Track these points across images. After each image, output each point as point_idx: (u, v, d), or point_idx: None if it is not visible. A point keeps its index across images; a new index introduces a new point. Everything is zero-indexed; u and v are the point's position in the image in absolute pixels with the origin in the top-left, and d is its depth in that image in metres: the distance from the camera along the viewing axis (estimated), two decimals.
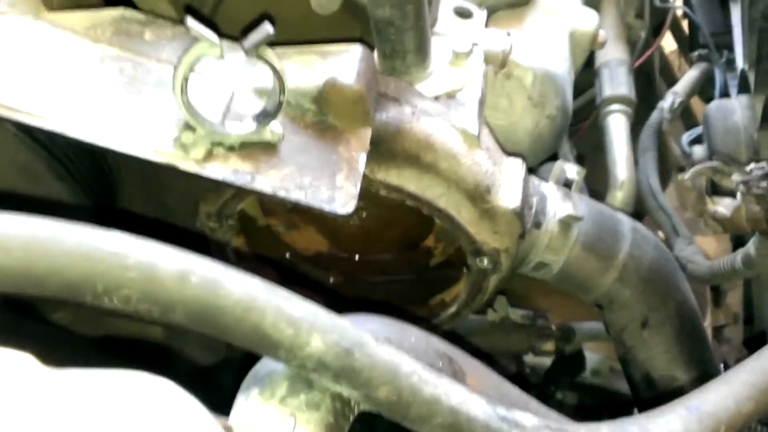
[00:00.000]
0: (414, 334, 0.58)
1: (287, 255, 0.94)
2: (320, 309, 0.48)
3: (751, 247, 0.94)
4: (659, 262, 0.91)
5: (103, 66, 0.65)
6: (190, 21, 0.57)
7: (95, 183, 0.74)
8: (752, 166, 0.87)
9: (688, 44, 1.83)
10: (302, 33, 0.76)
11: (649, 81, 1.70)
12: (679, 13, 1.77)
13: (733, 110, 1.13)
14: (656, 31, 1.72)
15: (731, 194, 0.94)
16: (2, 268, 0.39)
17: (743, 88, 1.22)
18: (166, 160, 0.62)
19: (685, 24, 1.92)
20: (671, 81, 1.85)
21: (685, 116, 1.65)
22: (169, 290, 0.42)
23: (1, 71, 0.61)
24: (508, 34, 0.96)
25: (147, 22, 0.69)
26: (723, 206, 0.86)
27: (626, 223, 0.92)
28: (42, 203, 0.70)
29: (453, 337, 0.73)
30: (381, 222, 0.91)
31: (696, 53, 1.54)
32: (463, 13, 0.94)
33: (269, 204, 0.89)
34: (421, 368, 0.49)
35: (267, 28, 0.59)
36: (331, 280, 0.94)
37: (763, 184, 0.76)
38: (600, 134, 1.33)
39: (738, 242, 1.38)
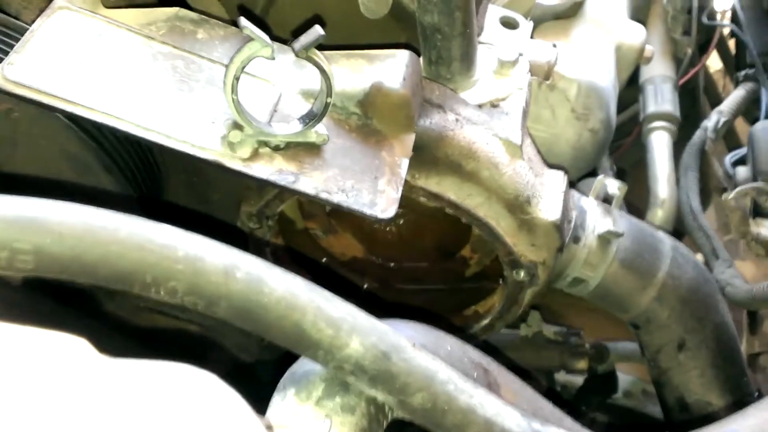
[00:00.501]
0: (450, 342, 0.58)
1: (324, 259, 0.94)
2: (360, 311, 0.48)
3: None
4: (699, 283, 0.89)
5: (156, 63, 0.66)
6: (243, 21, 0.58)
7: (141, 175, 0.75)
8: None
9: (734, 64, 1.80)
10: (349, 37, 0.77)
11: (694, 99, 1.67)
12: (726, 31, 1.74)
13: None
14: (702, 49, 1.69)
15: None
16: (55, 255, 0.40)
17: None
18: (212, 157, 0.62)
19: (731, 43, 1.89)
20: (715, 100, 1.82)
21: (729, 136, 1.62)
22: (215, 284, 0.43)
23: (58, 64, 0.63)
24: (554, 46, 0.95)
25: (200, 21, 0.71)
26: (766, 228, 0.84)
27: (667, 241, 0.90)
28: (88, 193, 0.72)
29: (486, 349, 0.72)
30: (417, 229, 0.91)
31: (742, 73, 1.51)
32: (509, 24, 0.94)
33: (308, 207, 0.90)
34: (457, 377, 0.49)
35: (318, 31, 0.60)
36: (366, 286, 0.94)
37: None
38: (642, 151, 1.31)
39: None
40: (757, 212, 0.89)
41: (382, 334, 0.47)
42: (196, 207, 0.83)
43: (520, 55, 0.82)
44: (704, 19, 1.58)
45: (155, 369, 0.34)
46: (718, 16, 1.82)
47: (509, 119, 0.76)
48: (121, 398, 0.28)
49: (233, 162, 0.63)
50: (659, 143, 1.27)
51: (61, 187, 0.70)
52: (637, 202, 1.34)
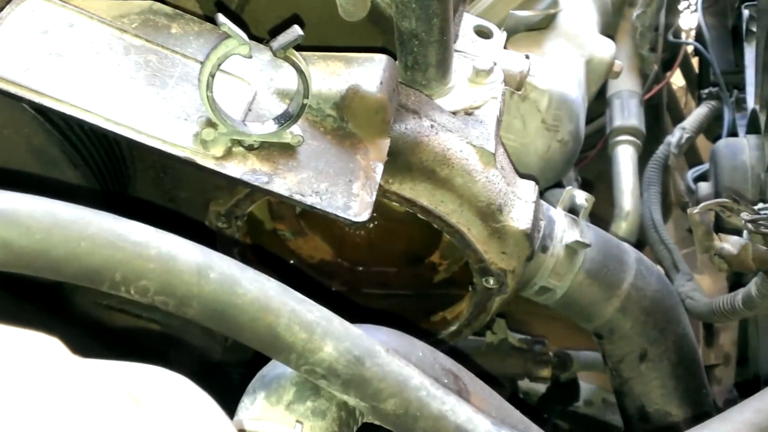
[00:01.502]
0: (421, 348, 0.58)
1: (291, 261, 0.93)
2: (334, 316, 0.47)
3: (752, 287, 0.94)
4: (662, 295, 0.91)
5: (129, 56, 0.65)
6: (221, 17, 0.57)
7: (108, 170, 0.73)
8: (761, 205, 0.87)
9: (696, 81, 1.85)
10: (325, 38, 0.76)
11: (657, 114, 1.71)
12: (690, 49, 1.79)
13: (742, 149, 1.14)
14: (666, 66, 1.73)
15: (737, 232, 0.94)
16: (21, 248, 0.38)
17: (753, 128, 1.23)
18: (185, 154, 0.61)
19: (695, 61, 1.94)
20: (677, 116, 1.87)
21: (689, 152, 1.66)
22: (187, 284, 0.42)
23: (27, 53, 0.61)
24: (527, 57, 0.96)
25: (174, 16, 0.69)
26: (730, 244, 0.86)
27: (632, 253, 0.92)
28: (53, 187, 0.70)
29: (453, 354, 0.72)
30: (387, 234, 0.91)
31: (706, 91, 1.55)
32: (483, 33, 0.95)
33: (278, 208, 0.89)
34: (430, 383, 0.49)
35: (297, 31, 0.59)
36: (334, 289, 0.94)
37: None
38: (605, 163, 1.34)
39: (734, 282, 1.38)
40: (719, 227, 0.91)
41: (355, 339, 0.46)
42: (163, 205, 0.82)
43: (495, 64, 0.82)
44: (670, 37, 1.62)
45: (128, 371, 0.33)
46: (683, 35, 1.87)
47: (483, 127, 0.77)
48: (95, 400, 0.27)
49: (206, 160, 0.61)
50: (625, 156, 1.29)
51: (24, 179, 0.68)
52: (598, 213, 1.36)
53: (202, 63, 0.59)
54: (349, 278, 0.94)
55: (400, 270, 0.93)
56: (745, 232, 0.87)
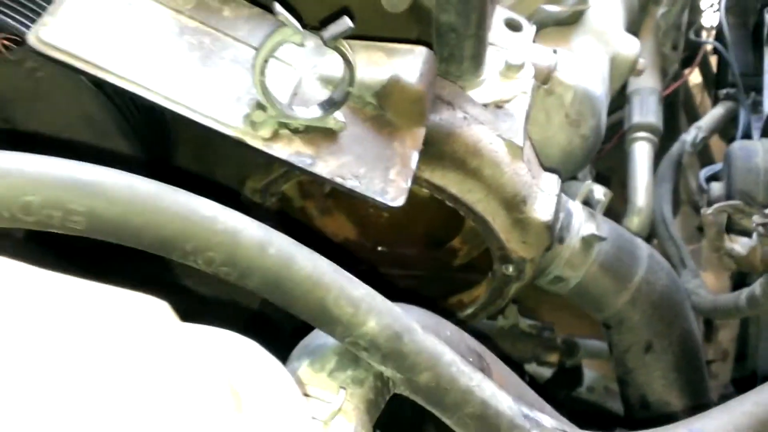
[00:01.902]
0: (449, 328, 0.62)
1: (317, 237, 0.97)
2: (377, 294, 0.51)
3: (757, 287, 0.98)
4: (670, 290, 0.95)
5: (184, 37, 0.68)
6: (278, 7, 0.61)
7: (154, 143, 0.77)
8: None
9: (714, 81, 1.87)
10: (364, 28, 0.80)
11: (673, 112, 1.74)
12: (709, 47, 1.81)
13: (756, 152, 1.17)
14: (685, 64, 1.76)
15: (746, 233, 0.98)
16: (105, 218, 0.42)
17: (767, 132, 1.26)
18: (236, 134, 0.65)
19: (713, 60, 1.96)
20: (693, 114, 1.90)
21: (703, 152, 1.69)
22: (249, 258, 0.46)
23: (89, 29, 0.64)
24: (554, 51, 0.99)
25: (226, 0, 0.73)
26: (740, 245, 0.90)
27: (644, 248, 0.95)
28: (102, 155, 0.74)
29: (473, 334, 0.77)
30: (410, 217, 0.95)
31: (723, 91, 1.58)
32: (513, 26, 0.97)
33: (308, 187, 0.92)
34: (459, 360, 0.53)
35: (347, 23, 0.62)
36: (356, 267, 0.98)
37: None
38: (622, 157, 1.37)
39: (738, 281, 1.42)
40: (730, 228, 0.95)
41: (396, 316, 0.50)
42: (202, 176, 0.86)
43: (526, 59, 0.85)
44: (692, 35, 1.64)
45: (216, 336, 0.37)
46: (704, 33, 1.89)
47: (513, 121, 0.80)
48: (198, 400, 0.30)
49: (255, 141, 0.65)
50: (641, 153, 1.32)
51: (75, 147, 0.72)
52: (610, 204, 1.39)
53: (257, 49, 0.62)
54: (371, 258, 0.98)
55: (420, 252, 0.97)
56: (755, 234, 0.91)
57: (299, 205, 0.95)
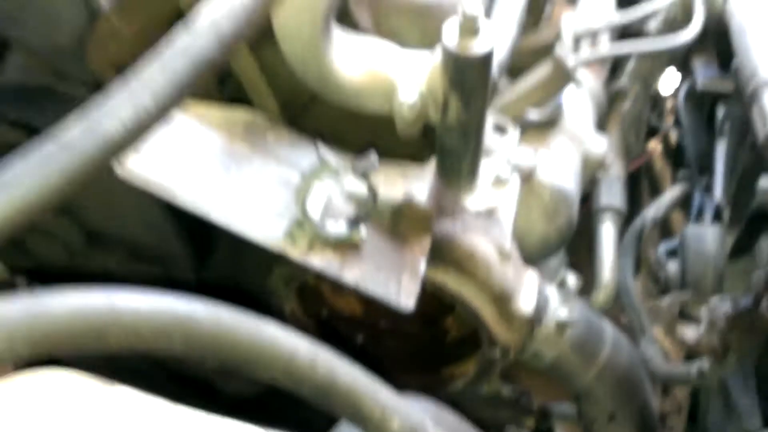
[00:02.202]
0: (449, 417, 0.76)
1: (325, 311, 1.10)
2: (394, 394, 0.65)
3: (705, 363, 1.14)
4: (632, 367, 1.10)
5: (236, 160, 0.82)
6: (322, 149, 0.75)
7: (200, 242, 0.91)
8: (715, 301, 1.07)
9: (674, 154, 2.06)
10: (384, 149, 0.94)
11: (636, 181, 1.92)
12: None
13: (705, 239, 1.33)
14: (650, 133, 1.94)
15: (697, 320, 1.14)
16: (197, 343, 0.55)
17: (717, 218, 1.43)
18: (278, 248, 0.78)
19: (673, 135, 2.16)
20: (654, 183, 2.08)
21: (663, 223, 1.86)
22: (303, 374, 0.59)
23: (159, 159, 0.77)
24: (535, 152, 1.15)
25: (269, 125, 0.87)
26: (690, 331, 1.06)
27: (609, 330, 1.11)
28: (157, 252, 0.87)
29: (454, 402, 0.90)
30: None
31: (681, 171, 1.76)
32: (501, 129, 1.13)
33: None
34: None
35: (374, 162, 0.77)
36: (359, 339, 1.11)
37: (723, 326, 0.96)
38: (592, 236, 1.53)
39: None
40: (683, 314, 1.11)
41: (412, 415, 0.64)
42: (231, 269, 0.99)
43: (513, 173, 1.00)
44: (652, 119, 1.83)
45: None
46: (666, 111, 2.08)
47: (501, 227, 0.95)
48: None
49: (293, 253, 0.79)
50: (607, 233, 1.48)
51: (139, 246, 0.85)
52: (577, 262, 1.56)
53: (304, 179, 0.76)
54: (374, 331, 1.11)
55: (417, 328, 1.11)
56: (703, 323, 1.06)
57: (312, 284, 1.08)
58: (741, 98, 1.11)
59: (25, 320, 0.52)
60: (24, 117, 0.83)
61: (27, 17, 0.78)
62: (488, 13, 0.97)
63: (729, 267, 1.27)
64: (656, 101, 1.82)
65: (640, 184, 1.90)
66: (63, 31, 0.77)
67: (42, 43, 0.81)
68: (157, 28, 0.91)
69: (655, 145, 1.95)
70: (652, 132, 1.93)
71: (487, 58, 0.81)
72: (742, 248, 1.25)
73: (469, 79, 0.82)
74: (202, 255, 0.93)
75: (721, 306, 1.04)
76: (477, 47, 0.79)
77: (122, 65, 0.89)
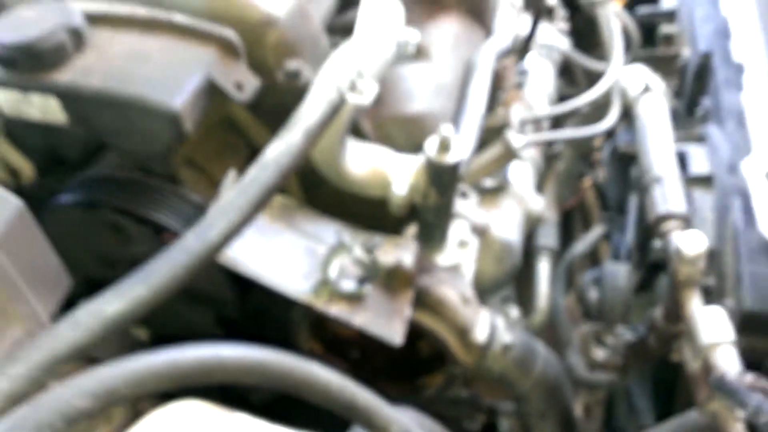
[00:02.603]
0: (428, 422, 1.09)
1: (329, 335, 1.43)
2: (391, 407, 0.98)
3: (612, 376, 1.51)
4: (558, 377, 1.46)
5: (275, 235, 1.14)
6: (340, 229, 1.07)
7: (247, 295, 1.22)
8: (621, 329, 1.44)
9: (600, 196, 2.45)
10: (380, 225, 1.27)
11: (570, 218, 2.29)
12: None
13: (618, 276, 1.70)
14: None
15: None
16: (270, 377, 0.87)
17: (629, 257, 1.81)
18: (307, 301, 1.11)
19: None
20: (586, 217, 2.47)
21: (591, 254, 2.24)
22: (334, 397, 0.91)
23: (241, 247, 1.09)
24: (489, 212, 1.50)
25: (298, 207, 1.19)
26: (600, 353, 1.42)
27: (541, 350, 1.46)
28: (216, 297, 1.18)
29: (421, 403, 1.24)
30: None
31: (605, 212, 2.14)
32: (463, 194, 1.48)
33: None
34: None
35: (378, 241, 1.10)
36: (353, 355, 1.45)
37: (624, 350, 1.33)
38: (528, 269, 1.89)
39: None
40: (597, 339, 1.47)
41: (405, 423, 0.97)
42: (262, 307, 1.31)
43: (473, 238, 1.35)
44: (581, 167, 2.20)
45: None
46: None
47: (464, 280, 1.30)
48: None
49: (318, 305, 1.11)
50: (543, 268, 1.84)
51: (203, 297, 1.16)
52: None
53: (326, 256, 1.09)
54: (363, 351, 1.45)
55: (399, 349, 1.44)
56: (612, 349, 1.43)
57: (321, 318, 1.41)
58: (639, 184, 1.48)
59: (168, 365, 0.84)
60: (121, 203, 1.13)
61: (130, 134, 1.08)
62: (457, 121, 1.31)
63: (635, 300, 1.64)
64: (588, 153, 2.20)
65: (574, 219, 2.28)
66: (156, 144, 1.08)
67: (138, 150, 1.11)
68: (212, 130, 1.22)
69: (587, 185, 2.33)
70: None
71: (457, 166, 1.15)
72: (644, 286, 1.63)
73: (444, 179, 1.16)
74: (243, 297, 1.24)
75: (624, 334, 1.41)
76: (450, 158, 1.13)
77: (190, 160, 1.20)
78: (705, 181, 1.45)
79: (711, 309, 1.11)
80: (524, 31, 1.85)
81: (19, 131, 1.20)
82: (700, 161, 1.51)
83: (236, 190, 0.91)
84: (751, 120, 1.37)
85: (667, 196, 1.34)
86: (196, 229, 0.87)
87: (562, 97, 1.99)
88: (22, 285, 0.90)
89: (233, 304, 1.22)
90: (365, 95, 1.05)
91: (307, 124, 0.97)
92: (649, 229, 1.36)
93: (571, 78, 2.16)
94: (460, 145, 1.15)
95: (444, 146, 1.13)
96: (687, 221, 1.32)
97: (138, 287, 0.82)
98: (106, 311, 0.79)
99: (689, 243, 1.15)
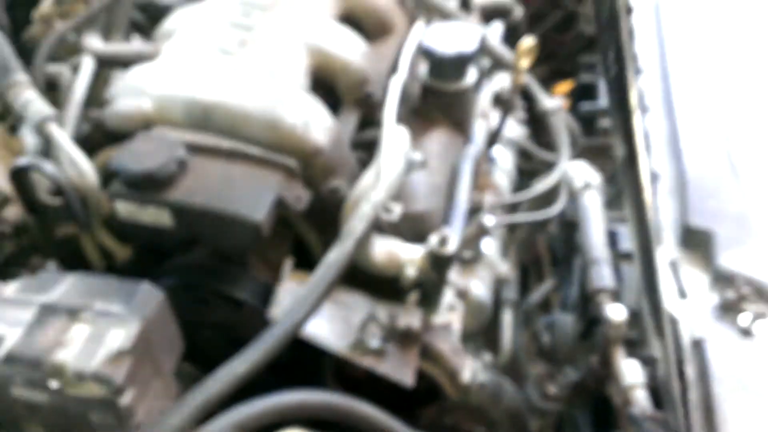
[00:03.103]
0: None
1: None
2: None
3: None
4: (520, 407, 1.91)
5: (325, 307, 1.56)
6: (370, 303, 1.51)
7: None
8: (567, 370, 1.91)
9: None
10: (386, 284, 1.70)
11: (527, 272, 2.78)
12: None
13: (566, 325, 2.18)
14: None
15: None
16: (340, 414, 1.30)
17: (574, 309, 2.29)
18: (346, 355, 1.53)
19: None
20: (540, 269, 2.95)
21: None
22: (378, 428, 1.33)
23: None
24: (467, 278, 1.96)
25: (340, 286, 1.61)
26: (552, 388, 1.88)
27: (508, 386, 1.91)
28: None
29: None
30: None
31: (556, 267, 2.62)
32: None
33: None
34: None
35: (395, 314, 1.54)
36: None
37: (570, 386, 1.79)
38: (495, 316, 2.35)
39: None
40: (549, 375, 1.94)
41: None
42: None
43: (461, 303, 1.80)
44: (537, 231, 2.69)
45: None
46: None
47: (454, 335, 1.74)
48: None
49: (354, 358, 1.54)
50: (507, 318, 2.30)
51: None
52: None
53: (359, 321, 1.52)
54: (377, 386, 1.87)
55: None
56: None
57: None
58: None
59: (263, 407, 1.26)
60: (214, 285, 1.54)
61: (222, 235, 1.50)
62: (449, 217, 1.76)
63: (579, 345, 2.11)
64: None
65: (529, 273, 2.76)
66: (241, 244, 1.50)
67: (225, 246, 1.53)
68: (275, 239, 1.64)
69: (540, 245, 2.81)
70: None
71: (452, 256, 1.60)
72: (585, 335, 2.10)
73: (442, 264, 1.61)
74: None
75: (569, 374, 1.88)
76: (447, 250, 1.58)
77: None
78: (629, 256, 1.94)
79: (630, 361, 1.58)
80: (493, 125, 2.33)
81: (124, 226, 1.60)
82: (626, 240, 2.00)
83: (310, 284, 1.35)
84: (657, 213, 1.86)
85: (601, 274, 1.81)
86: (288, 313, 1.30)
87: (521, 170, 2.48)
88: (160, 356, 1.31)
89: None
90: (394, 214, 1.50)
91: (355, 237, 1.42)
92: (588, 297, 1.83)
93: (528, 156, 2.65)
94: (454, 239, 1.60)
95: (443, 242, 1.58)
96: (615, 294, 1.79)
97: (255, 354, 1.24)
98: (238, 371, 1.21)
99: (615, 313, 1.62)
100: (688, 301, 1.47)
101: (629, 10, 2.45)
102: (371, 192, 1.51)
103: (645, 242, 1.77)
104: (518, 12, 2.63)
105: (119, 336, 1.17)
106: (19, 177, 1.49)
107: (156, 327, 1.25)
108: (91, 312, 1.21)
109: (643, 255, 1.79)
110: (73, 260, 1.64)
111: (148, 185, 1.46)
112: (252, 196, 1.48)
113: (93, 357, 1.15)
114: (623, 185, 2.23)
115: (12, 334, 1.17)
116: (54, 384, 1.13)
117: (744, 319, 1.42)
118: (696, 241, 1.54)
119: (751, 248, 1.55)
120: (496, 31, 2.40)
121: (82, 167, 1.55)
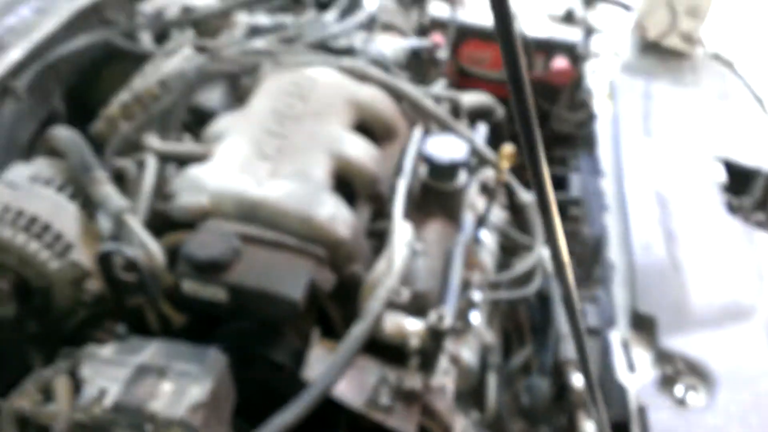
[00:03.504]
0: None
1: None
2: None
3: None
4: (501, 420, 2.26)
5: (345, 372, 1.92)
6: (383, 370, 1.88)
7: None
8: (543, 428, 2.27)
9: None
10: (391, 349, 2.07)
11: (507, 334, 3.15)
12: None
13: (543, 388, 2.54)
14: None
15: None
16: None
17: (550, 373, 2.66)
18: (361, 410, 1.89)
19: None
20: (521, 334, 3.33)
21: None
22: None
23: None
24: (459, 346, 2.33)
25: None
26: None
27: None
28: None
29: None
30: None
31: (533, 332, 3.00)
32: None
33: None
34: None
35: (402, 379, 1.90)
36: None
37: None
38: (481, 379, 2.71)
39: None
40: None
41: None
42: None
43: (456, 362, 2.17)
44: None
45: None
46: None
47: (448, 395, 2.10)
48: None
49: (370, 413, 1.89)
50: (492, 380, 2.66)
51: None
52: None
53: (372, 383, 1.88)
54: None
55: None
56: None
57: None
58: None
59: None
60: (259, 350, 1.91)
61: (267, 308, 1.87)
62: (444, 296, 2.14)
63: (553, 407, 2.47)
64: None
65: (511, 337, 3.14)
66: (282, 317, 1.87)
67: (269, 317, 1.90)
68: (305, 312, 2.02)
69: (521, 313, 3.19)
70: None
71: (447, 331, 1.97)
72: (559, 396, 2.47)
73: (440, 337, 1.98)
74: None
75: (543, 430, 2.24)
76: (444, 325, 1.96)
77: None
78: (595, 332, 2.33)
79: (589, 423, 1.95)
80: (479, 209, 2.74)
81: (184, 299, 1.96)
82: (592, 317, 2.39)
83: (339, 352, 1.72)
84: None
85: (567, 347, 2.20)
86: (322, 376, 1.67)
87: (503, 247, 2.89)
88: (224, 406, 1.67)
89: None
90: (403, 297, 1.88)
91: (374, 315, 1.79)
92: (558, 365, 2.21)
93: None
94: (449, 316, 1.98)
95: (440, 319, 1.96)
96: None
97: (299, 407, 1.61)
98: (287, 420, 1.57)
99: (578, 381, 2.00)
100: (635, 374, 1.85)
101: (592, 117, 2.91)
102: (385, 278, 1.90)
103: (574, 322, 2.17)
104: (500, 112, 3.08)
105: (197, 391, 1.53)
106: (104, 258, 1.86)
107: (222, 384, 1.62)
108: (174, 371, 1.57)
109: (576, 336, 2.19)
110: (137, 324, 2.00)
111: (210, 269, 1.84)
112: (291, 278, 1.86)
113: (178, 407, 1.50)
114: (592, 267, 2.64)
115: (113, 387, 1.53)
116: (149, 428, 1.48)
117: (679, 390, 1.81)
118: (642, 324, 1.94)
119: (687, 331, 1.95)
120: (481, 132, 2.83)
121: (152, 250, 1.92)
